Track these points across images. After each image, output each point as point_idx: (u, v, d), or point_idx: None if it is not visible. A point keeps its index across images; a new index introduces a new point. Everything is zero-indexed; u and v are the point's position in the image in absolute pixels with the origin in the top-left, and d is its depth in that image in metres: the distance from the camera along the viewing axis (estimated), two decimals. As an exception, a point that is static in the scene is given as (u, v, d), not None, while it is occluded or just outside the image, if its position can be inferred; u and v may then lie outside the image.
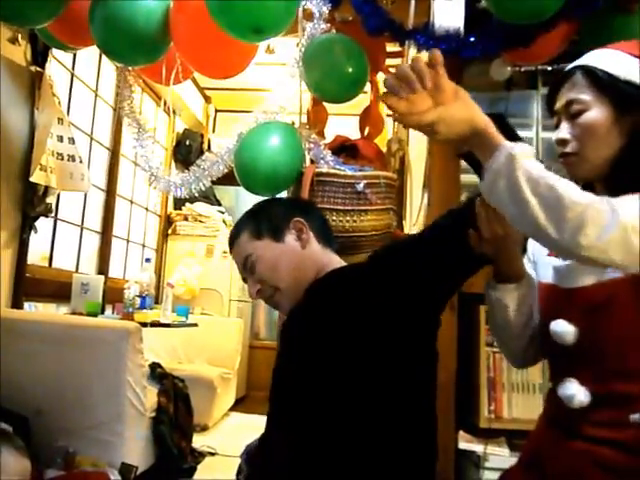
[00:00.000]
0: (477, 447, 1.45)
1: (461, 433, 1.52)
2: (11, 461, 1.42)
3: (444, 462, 1.46)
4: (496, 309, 0.95)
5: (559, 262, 0.90)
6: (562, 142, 0.87)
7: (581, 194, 0.70)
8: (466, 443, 1.46)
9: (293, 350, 0.97)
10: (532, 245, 1.01)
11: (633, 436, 0.79)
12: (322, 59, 1.67)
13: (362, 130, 2.14)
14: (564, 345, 0.85)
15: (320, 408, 0.88)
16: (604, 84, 0.83)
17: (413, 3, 1.58)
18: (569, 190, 0.70)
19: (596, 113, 0.83)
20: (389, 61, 2.22)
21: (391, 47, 2.10)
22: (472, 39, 1.51)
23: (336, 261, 1.08)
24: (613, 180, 0.83)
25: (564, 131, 0.87)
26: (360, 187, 1.66)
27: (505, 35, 1.48)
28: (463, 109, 0.76)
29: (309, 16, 1.68)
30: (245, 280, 1.08)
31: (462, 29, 1.51)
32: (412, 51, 2.30)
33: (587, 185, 0.89)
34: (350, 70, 1.67)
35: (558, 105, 0.89)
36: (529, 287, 0.94)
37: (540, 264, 0.97)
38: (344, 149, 1.97)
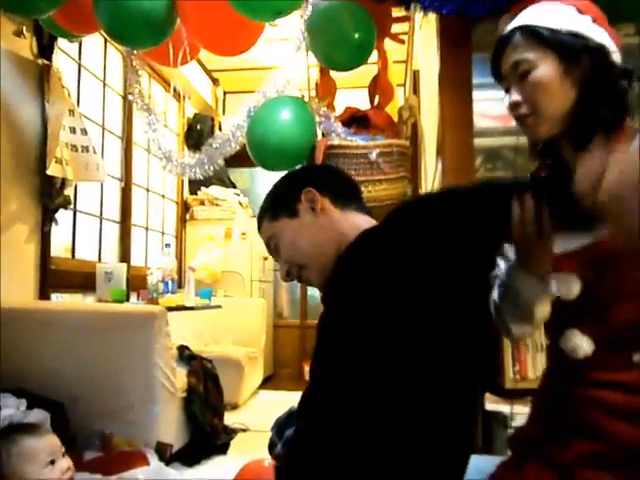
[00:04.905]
0: (504, 407, 1.46)
1: (487, 395, 1.53)
2: (32, 444, 1.47)
3: (472, 424, 1.47)
4: (522, 300, 0.88)
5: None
6: (515, 105, 0.87)
7: None
8: (493, 404, 1.47)
9: (328, 327, 0.87)
10: None
11: (637, 376, 0.79)
12: (328, 26, 1.65)
13: (372, 99, 2.11)
14: (566, 300, 0.85)
15: (360, 393, 0.78)
16: (546, 40, 0.83)
17: (416, -37, 1.54)
18: None
19: (544, 69, 0.83)
20: (395, 27, 2.17)
21: (397, 12, 2.05)
22: (479, -5, 1.46)
23: (361, 222, 0.96)
24: (575, 133, 0.84)
25: (515, 94, 0.87)
26: (373, 156, 1.65)
27: (513, -12, 1.43)
28: None
29: (311, -16, 1.65)
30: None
31: (468, -14, 1.47)
32: (418, 15, 2.24)
33: (550, 143, 0.89)
34: (357, 36, 1.64)
35: (504, 69, 0.88)
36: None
37: None
38: (355, 120, 1.95)
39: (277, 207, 1.03)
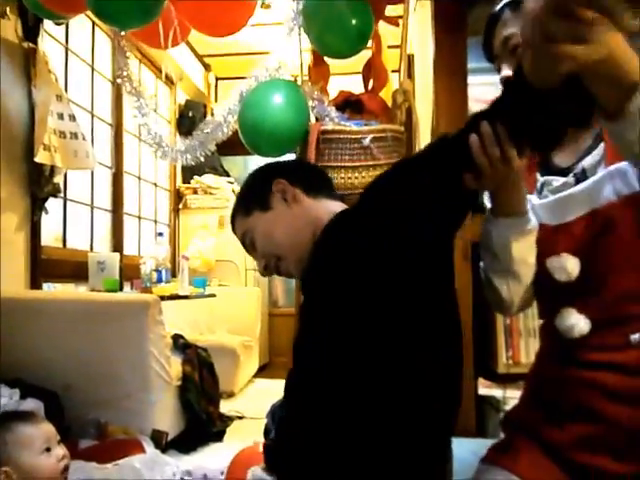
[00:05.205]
0: (496, 392, 1.47)
1: (480, 380, 1.53)
2: (27, 431, 1.46)
3: (465, 408, 1.47)
4: (497, 247, 0.87)
5: (545, 200, 0.88)
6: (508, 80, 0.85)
7: None
8: (485, 389, 1.48)
9: (309, 313, 0.91)
10: None
11: (635, 357, 0.79)
12: (323, 12, 1.61)
13: (366, 84, 2.08)
14: (565, 279, 0.84)
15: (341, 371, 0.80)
16: None
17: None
18: None
19: None
20: (389, 10, 2.14)
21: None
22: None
23: (334, 207, 0.97)
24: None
25: (506, 69, 0.86)
26: (366, 142, 1.63)
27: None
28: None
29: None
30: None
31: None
32: (412, -2, 2.20)
33: None
34: (354, 22, 1.60)
35: (496, 48, 0.87)
36: (531, 224, 0.87)
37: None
38: (349, 105, 1.93)
39: (249, 202, 1.04)
